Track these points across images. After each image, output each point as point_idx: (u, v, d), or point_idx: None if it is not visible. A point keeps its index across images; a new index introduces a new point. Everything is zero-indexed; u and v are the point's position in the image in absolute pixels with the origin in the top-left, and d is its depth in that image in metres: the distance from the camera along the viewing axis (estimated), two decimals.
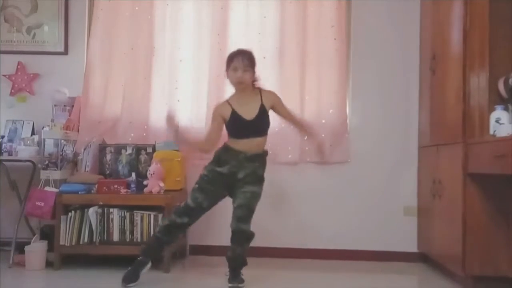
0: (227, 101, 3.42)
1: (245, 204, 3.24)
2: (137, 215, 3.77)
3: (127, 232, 3.76)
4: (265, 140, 3.41)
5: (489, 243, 3.25)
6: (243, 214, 3.23)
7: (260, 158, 3.38)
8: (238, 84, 3.34)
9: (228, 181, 3.33)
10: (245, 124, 3.32)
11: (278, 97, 3.48)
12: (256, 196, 3.32)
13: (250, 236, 3.27)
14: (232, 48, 4.29)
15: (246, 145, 3.31)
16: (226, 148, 3.37)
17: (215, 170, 3.35)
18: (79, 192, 3.81)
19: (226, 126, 3.39)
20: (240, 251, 3.25)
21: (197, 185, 3.37)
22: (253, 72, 3.36)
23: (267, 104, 3.38)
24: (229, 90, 4.32)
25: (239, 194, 3.27)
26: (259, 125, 3.36)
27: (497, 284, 3.25)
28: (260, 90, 3.42)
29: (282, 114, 3.49)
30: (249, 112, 3.33)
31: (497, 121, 3.02)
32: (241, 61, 3.29)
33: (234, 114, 3.32)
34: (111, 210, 3.77)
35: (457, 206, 3.34)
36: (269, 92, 3.47)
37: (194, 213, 3.35)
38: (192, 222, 3.40)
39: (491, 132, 3.06)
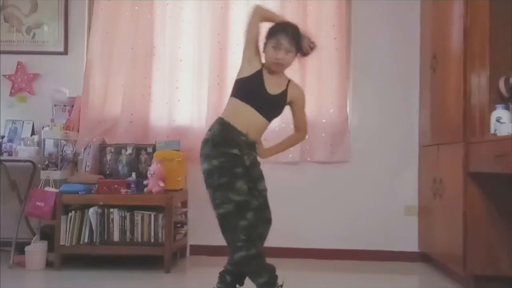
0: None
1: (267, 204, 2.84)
2: (138, 215, 3.76)
3: (128, 232, 3.76)
4: (266, 127, 2.81)
5: (490, 242, 3.25)
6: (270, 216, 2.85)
7: (255, 148, 2.81)
8: (276, 66, 2.73)
9: (245, 169, 2.69)
10: (263, 93, 2.73)
11: (304, 97, 2.94)
12: None
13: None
14: (232, 47, 4.33)
15: (250, 119, 2.70)
16: (226, 125, 2.68)
17: (229, 152, 2.64)
18: (79, 192, 3.80)
19: (241, 82, 2.74)
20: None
21: (224, 179, 2.60)
22: (296, 54, 2.76)
23: (290, 95, 2.82)
24: (230, 91, 4.32)
25: (257, 192, 2.78)
26: (274, 105, 2.78)
27: (498, 283, 3.24)
28: (289, 79, 2.86)
29: (295, 115, 2.92)
30: (272, 87, 2.75)
31: (498, 120, 3.01)
32: (286, 39, 2.67)
33: (259, 74, 2.72)
34: (111, 210, 3.76)
35: (458, 205, 3.33)
36: (298, 86, 2.92)
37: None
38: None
39: (492, 131, 3.06)
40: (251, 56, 2.76)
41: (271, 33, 2.73)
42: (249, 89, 2.74)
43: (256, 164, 2.83)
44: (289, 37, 2.69)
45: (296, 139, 3.07)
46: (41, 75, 4.51)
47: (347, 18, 4.34)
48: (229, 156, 2.64)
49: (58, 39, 4.51)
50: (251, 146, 2.76)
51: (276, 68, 2.75)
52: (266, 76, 2.75)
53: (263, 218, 2.81)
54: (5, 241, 4.12)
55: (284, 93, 2.80)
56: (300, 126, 2.97)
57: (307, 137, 3.16)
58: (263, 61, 2.78)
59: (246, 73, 2.75)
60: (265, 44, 2.75)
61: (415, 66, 4.30)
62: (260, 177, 2.85)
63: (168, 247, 3.71)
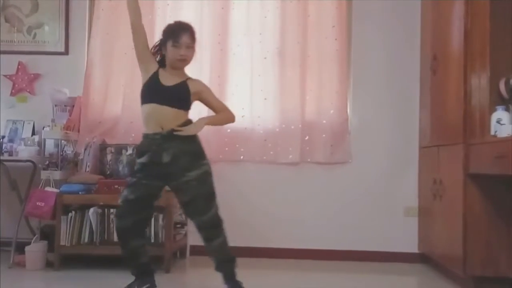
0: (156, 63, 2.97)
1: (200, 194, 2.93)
2: None
3: None
4: (180, 114, 2.96)
5: (490, 243, 3.25)
6: (198, 208, 2.93)
7: (179, 137, 2.92)
8: (180, 63, 2.93)
9: (157, 172, 2.92)
10: (159, 87, 2.91)
11: (205, 85, 3.14)
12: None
13: (217, 221, 2.97)
14: (233, 48, 4.33)
15: (157, 114, 2.90)
16: (142, 139, 3.01)
17: (138, 162, 2.98)
18: (80, 192, 3.81)
19: (142, 88, 2.97)
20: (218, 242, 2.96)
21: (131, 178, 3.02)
22: (194, 49, 2.97)
23: (191, 87, 2.97)
24: (231, 92, 4.33)
25: (184, 185, 2.92)
26: (173, 94, 2.92)
27: (497, 285, 3.24)
28: (188, 77, 3.03)
29: (210, 102, 3.11)
30: (167, 81, 2.93)
31: (498, 121, 3.01)
32: (185, 37, 2.86)
33: (154, 74, 2.92)
34: (111, 210, 3.76)
35: (458, 206, 3.33)
36: (197, 80, 3.09)
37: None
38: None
39: (492, 132, 3.06)
40: (148, 65, 2.96)
41: (169, 33, 2.89)
42: (148, 90, 2.93)
43: (180, 156, 2.90)
44: (188, 35, 2.88)
45: (227, 117, 3.16)
46: (41, 75, 4.51)
47: (348, 19, 4.34)
48: (138, 165, 2.97)
49: (58, 39, 4.52)
50: (172, 137, 2.89)
51: (181, 65, 2.94)
52: (161, 73, 2.94)
53: (197, 210, 2.93)
54: (5, 241, 4.12)
55: (183, 85, 2.95)
56: (220, 107, 3.13)
57: (235, 119, 3.20)
58: (161, 59, 2.98)
59: (144, 80, 2.96)
60: (164, 43, 2.91)
61: (415, 67, 4.30)
62: (188, 168, 2.91)
63: (168, 247, 3.71)
